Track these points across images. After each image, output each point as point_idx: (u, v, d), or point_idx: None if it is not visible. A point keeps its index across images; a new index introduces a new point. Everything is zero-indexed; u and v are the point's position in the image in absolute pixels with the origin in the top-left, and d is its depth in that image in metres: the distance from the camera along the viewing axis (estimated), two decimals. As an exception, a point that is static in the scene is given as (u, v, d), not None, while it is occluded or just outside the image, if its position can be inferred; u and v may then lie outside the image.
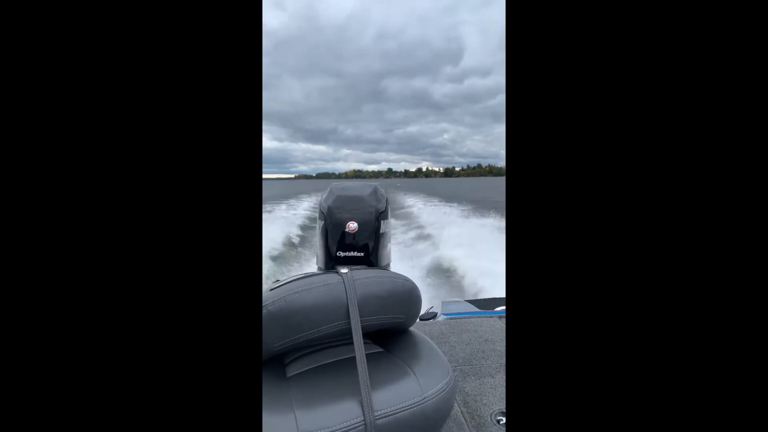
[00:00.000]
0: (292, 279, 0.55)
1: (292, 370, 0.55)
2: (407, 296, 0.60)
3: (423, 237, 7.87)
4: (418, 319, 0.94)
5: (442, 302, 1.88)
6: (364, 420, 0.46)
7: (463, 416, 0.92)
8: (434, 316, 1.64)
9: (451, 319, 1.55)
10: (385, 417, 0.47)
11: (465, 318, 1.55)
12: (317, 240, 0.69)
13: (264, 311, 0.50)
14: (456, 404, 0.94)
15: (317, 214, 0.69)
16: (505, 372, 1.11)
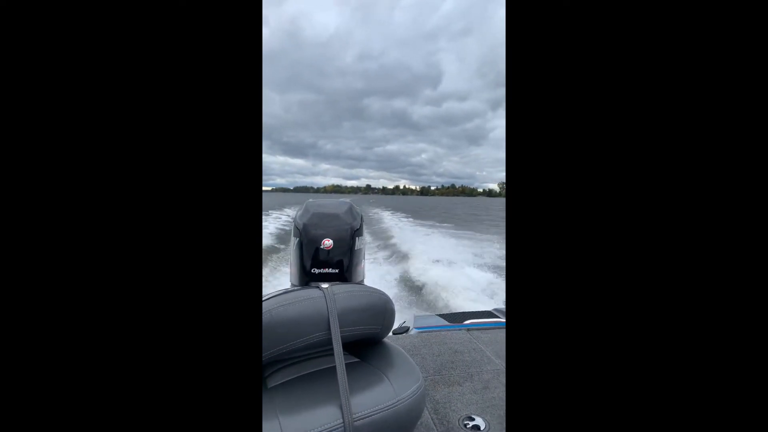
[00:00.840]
0: (275, 294, 0.57)
1: (273, 381, 0.57)
2: (382, 309, 0.64)
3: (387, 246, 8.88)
4: (392, 333, 1.20)
5: (414, 316, 1.98)
6: (344, 422, 0.48)
7: (433, 422, 0.97)
8: (407, 330, 1.72)
9: (422, 332, 1.62)
10: (363, 419, 0.50)
11: (435, 331, 1.62)
12: (291, 256, 0.70)
13: None
14: (426, 411, 1.01)
15: (292, 230, 0.70)
16: (471, 380, 1.19)
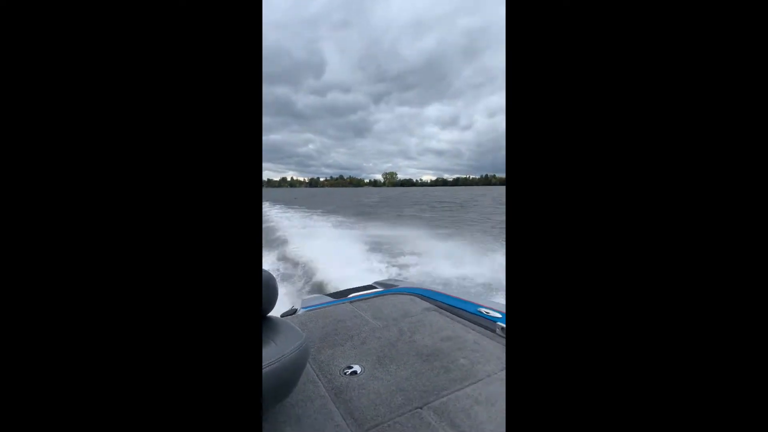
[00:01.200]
0: None
1: None
2: (266, 284, 0.74)
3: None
4: (280, 316, 1.18)
5: (302, 299, 2.07)
6: None
7: (318, 377, 1.12)
8: (294, 311, 1.82)
9: (309, 311, 1.72)
10: None
11: (322, 308, 1.74)
12: None
13: None
14: (312, 369, 1.16)
15: None
16: (351, 340, 1.36)
